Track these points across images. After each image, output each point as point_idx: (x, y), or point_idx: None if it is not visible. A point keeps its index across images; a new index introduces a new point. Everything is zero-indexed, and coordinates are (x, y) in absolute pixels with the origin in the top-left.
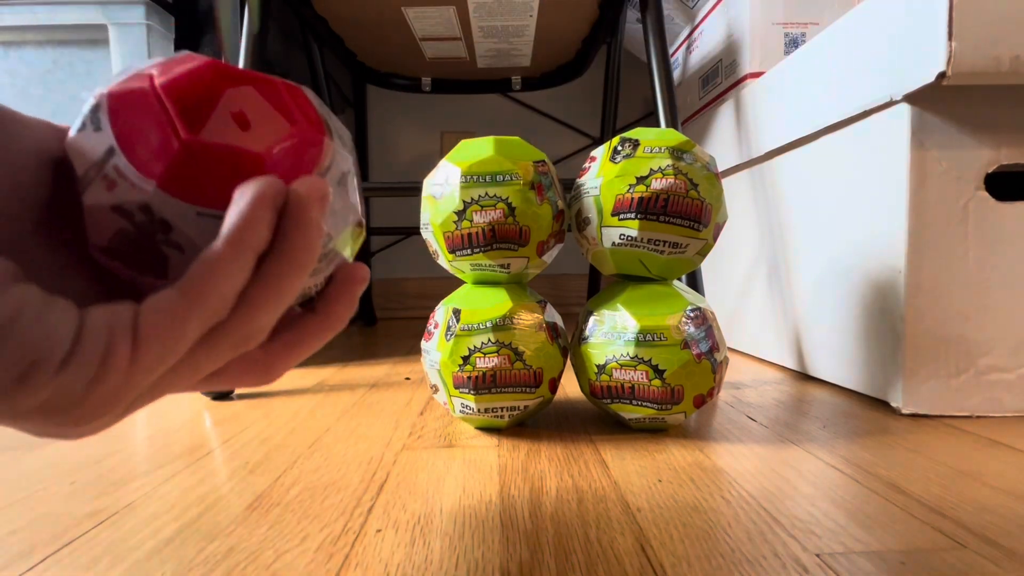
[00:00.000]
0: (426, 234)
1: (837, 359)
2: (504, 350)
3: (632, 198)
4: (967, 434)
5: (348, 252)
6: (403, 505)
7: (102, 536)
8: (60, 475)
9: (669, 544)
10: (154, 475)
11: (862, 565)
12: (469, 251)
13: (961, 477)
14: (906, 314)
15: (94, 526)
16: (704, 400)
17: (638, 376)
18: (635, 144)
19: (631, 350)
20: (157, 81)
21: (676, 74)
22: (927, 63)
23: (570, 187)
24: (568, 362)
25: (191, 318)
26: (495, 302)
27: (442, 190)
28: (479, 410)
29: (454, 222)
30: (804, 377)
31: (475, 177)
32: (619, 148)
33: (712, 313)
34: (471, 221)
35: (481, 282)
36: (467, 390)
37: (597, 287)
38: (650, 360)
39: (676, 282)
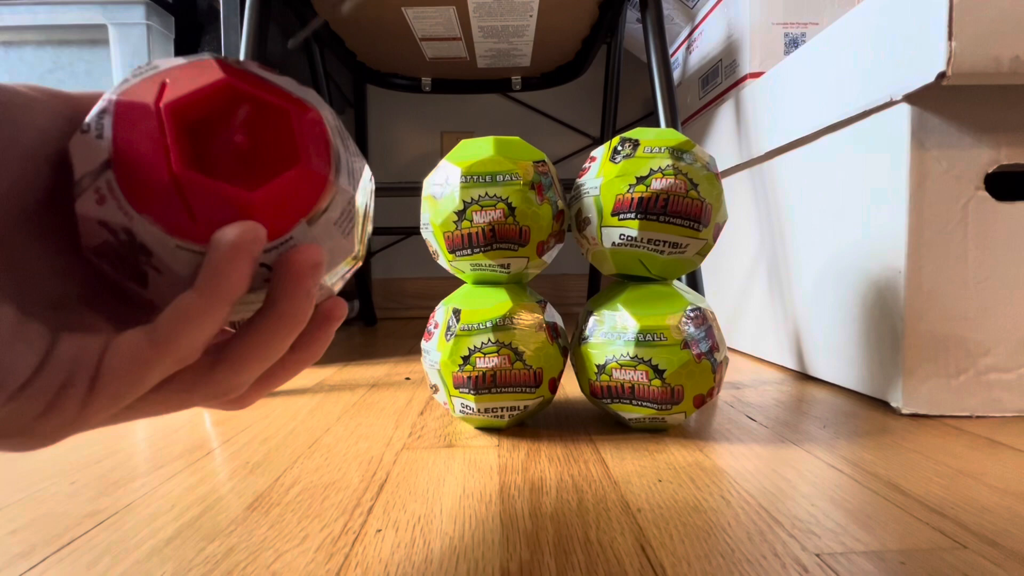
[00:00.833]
0: (426, 234)
1: (837, 359)
2: (504, 350)
3: (632, 198)
4: (967, 434)
5: (336, 285)
6: (403, 505)
7: (102, 536)
8: (60, 475)
9: (669, 544)
10: (154, 475)
11: (862, 565)
12: (469, 251)
13: (961, 477)
14: (906, 314)
15: (94, 526)
16: (704, 400)
17: (638, 376)
18: (635, 144)
19: (631, 350)
20: (164, 98)
21: (676, 74)
22: (927, 63)
23: (570, 187)
24: (568, 362)
25: (156, 365)
26: (495, 302)
27: (442, 190)
28: (479, 410)
29: (454, 222)
30: (804, 377)
31: (475, 177)
32: (619, 148)
33: (712, 313)
34: (471, 221)
35: (481, 282)
36: (467, 390)
37: (597, 287)
38: (650, 360)
39: (676, 282)
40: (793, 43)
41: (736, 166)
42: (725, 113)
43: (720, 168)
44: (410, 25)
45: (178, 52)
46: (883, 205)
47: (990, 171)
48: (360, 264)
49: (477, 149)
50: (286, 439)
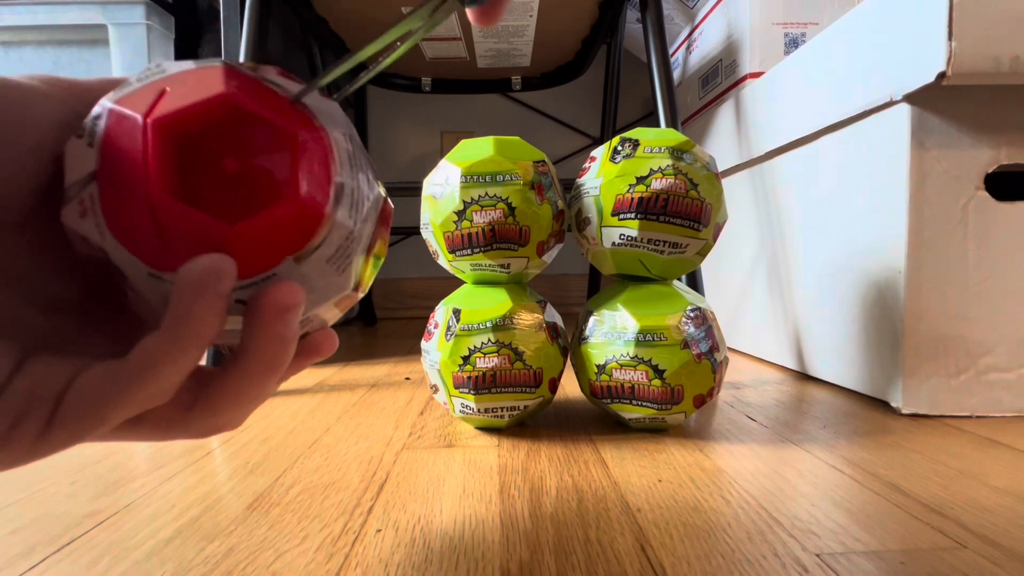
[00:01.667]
0: (426, 234)
1: (837, 359)
2: (504, 350)
3: (632, 198)
4: (967, 434)
5: (330, 317)
6: (403, 505)
7: (102, 536)
8: (60, 475)
9: (669, 544)
10: (154, 475)
11: (862, 565)
12: (469, 251)
13: (961, 477)
14: (906, 314)
15: (94, 526)
16: (704, 400)
17: (638, 376)
18: (635, 144)
19: (631, 350)
20: (156, 110)
21: (676, 74)
22: (927, 63)
23: (570, 187)
24: (568, 362)
25: (120, 405)
26: (495, 302)
27: (442, 190)
28: (479, 410)
29: (454, 222)
30: (804, 377)
31: (475, 177)
32: (619, 148)
33: (712, 313)
34: (471, 221)
35: (481, 282)
36: (467, 390)
37: (597, 287)
38: (650, 360)
39: (676, 282)
40: (793, 43)
41: (736, 166)
42: (725, 113)
43: (720, 168)
44: None
45: (178, 52)
46: (883, 205)
47: (990, 171)
48: (361, 295)
49: (477, 149)
50: (286, 439)
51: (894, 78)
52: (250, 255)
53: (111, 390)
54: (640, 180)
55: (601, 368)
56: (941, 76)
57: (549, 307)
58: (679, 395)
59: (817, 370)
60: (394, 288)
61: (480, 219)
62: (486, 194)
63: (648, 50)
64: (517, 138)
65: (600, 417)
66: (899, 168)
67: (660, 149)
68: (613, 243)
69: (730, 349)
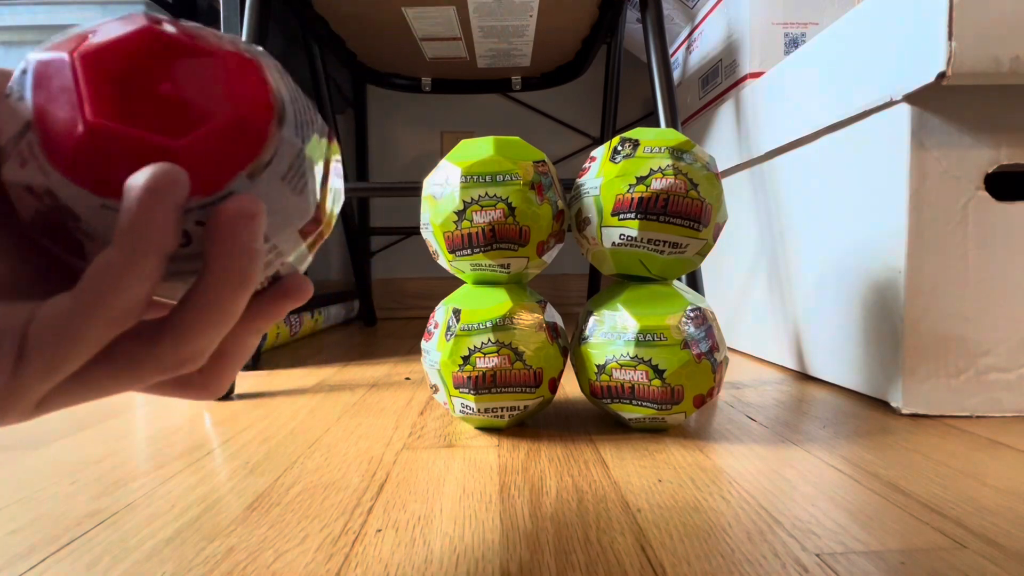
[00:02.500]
0: (426, 234)
1: (837, 359)
2: (504, 350)
3: (632, 198)
4: (967, 434)
5: (295, 256)
6: (403, 505)
7: (102, 536)
8: (60, 475)
9: (669, 544)
10: (154, 475)
11: (862, 565)
12: (469, 251)
13: (961, 477)
14: (906, 314)
15: (94, 526)
16: (704, 400)
17: (638, 376)
18: (635, 144)
19: (631, 350)
20: (81, 48)
21: (676, 74)
22: (927, 63)
23: (570, 187)
24: (568, 362)
25: (85, 329)
26: (495, 302)
27: (442, 190)
28: (479, 410)
29: (454, 222)
30: (804, 377)
31: (475, 177)
32: (619, 148)
33: (712, 313)
34: (471, 221)
35: (481, 282)
36: (467, 390)
37: (597, 287)
38: (650, 360)
39: (676, 282)
40: (793, 43)
41: (736, 166)
42: (725, 113)
43: (720, 168)
44: (410, 25)
45: None
46: (883, 205)
47: (990, 171)
48: (326, 234)
49: (477, 149)
50: (286, 439)
51: (894, 78)
52: (200, 171)
53: (74, 310)
54: (640, 180)
55: (601, 368)
56: (941, 76)
57: (549, 307)
58: (679, 395)
59: (817, 370)
60: (394, 288)
61: (480, 219)
62: (486, 194)
63: (648, 50)
64: (517, 138)
65: (600, 417)
66: (899, 168)
67: (660, 149)
68: (613, 243)
69: (730, 349)
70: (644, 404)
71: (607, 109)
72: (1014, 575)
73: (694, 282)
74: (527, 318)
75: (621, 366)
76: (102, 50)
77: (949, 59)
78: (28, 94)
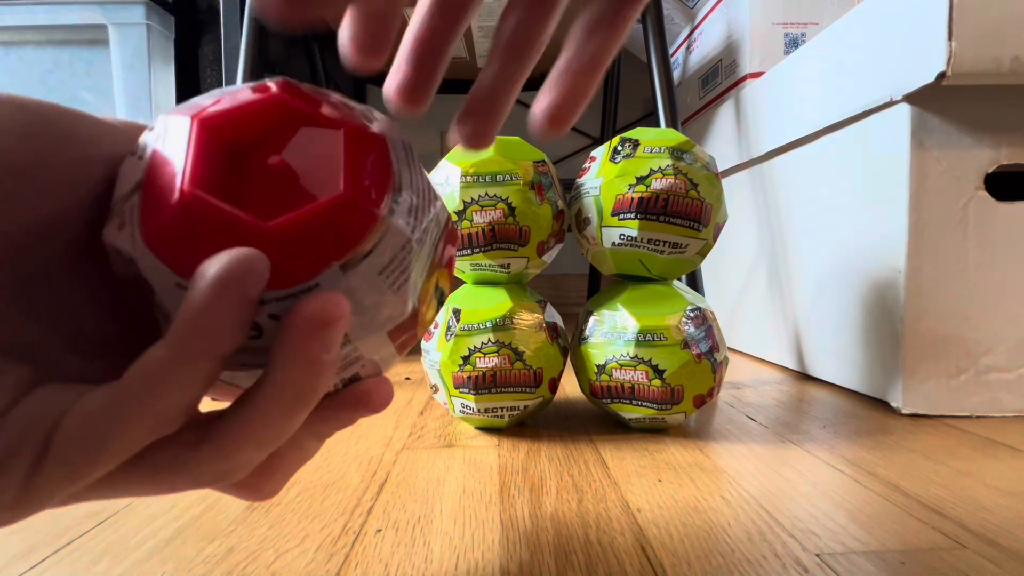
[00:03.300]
0: None
1: (837, 359)
2: (504, 350)
3: (632, 198)
4: (967, 434)
5: (380, 356)
6: (403, 505)
7: (102, 536)
8: None
9: (669, 544)
10: None
11: (862, 565)
12: (469, 251)
13: (961, 477)
14: (906, 314)
15: (94, 526)
16: (704, 400)
17: (638, 376)
18: (635, 144)
19: (631, 350)
20: (203, 113)
21: (676, 74)
22: (927, 63)
23: (570, 187)
24: (568, 362)
25: (119, 434)
26: (495, 302)
27: (442, 190)
28: (479, 410)
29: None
30: (804, 377)
31: (475, 177)
32: (619, 148)
33: (712, 313)
34: (471, 221)
35: (481, 282)
36: (467, 390)
37: (597, 287)
38: (650, 360)
39: (676, 282)
40: (793, 43)
41: (736, 166)
42: (725, 113)
43: (720, 168)
44: None
45: (178, 52)
46: (883, 205)
47: (990, 171)
48: (420, 336)
49: None
50: None
51: (894, 78)
52: (287, 259)
53: (108, 414)
54: (640, 180)
55: (601, 368)
56: (941, 76)
57: (549, 307)
58: (679, 395)
59: (817, 370)
60: None
61: (480, 219)
62: (486, 194)
63: (648, 50)
64: (517, 138)
65: (600, 417)
66: (899, 168)
67: (660, 149)
68: (613, 243)
69: (730, 349)
70: (644, 404)
71: (607, 109)
72: (1014, 575)
73: (694, 282)
74: (527, 318)
75: (621, 366)
76: (221, 116)
77: (949, 59)
78: (148, 153)
